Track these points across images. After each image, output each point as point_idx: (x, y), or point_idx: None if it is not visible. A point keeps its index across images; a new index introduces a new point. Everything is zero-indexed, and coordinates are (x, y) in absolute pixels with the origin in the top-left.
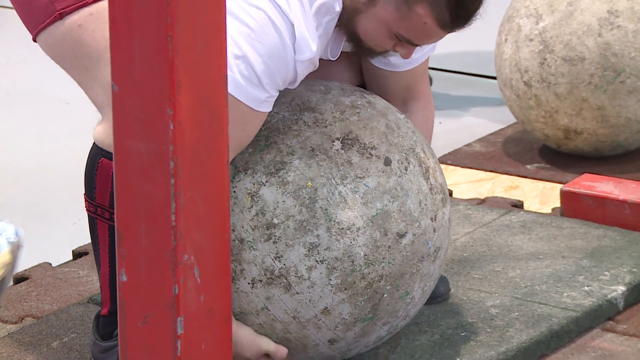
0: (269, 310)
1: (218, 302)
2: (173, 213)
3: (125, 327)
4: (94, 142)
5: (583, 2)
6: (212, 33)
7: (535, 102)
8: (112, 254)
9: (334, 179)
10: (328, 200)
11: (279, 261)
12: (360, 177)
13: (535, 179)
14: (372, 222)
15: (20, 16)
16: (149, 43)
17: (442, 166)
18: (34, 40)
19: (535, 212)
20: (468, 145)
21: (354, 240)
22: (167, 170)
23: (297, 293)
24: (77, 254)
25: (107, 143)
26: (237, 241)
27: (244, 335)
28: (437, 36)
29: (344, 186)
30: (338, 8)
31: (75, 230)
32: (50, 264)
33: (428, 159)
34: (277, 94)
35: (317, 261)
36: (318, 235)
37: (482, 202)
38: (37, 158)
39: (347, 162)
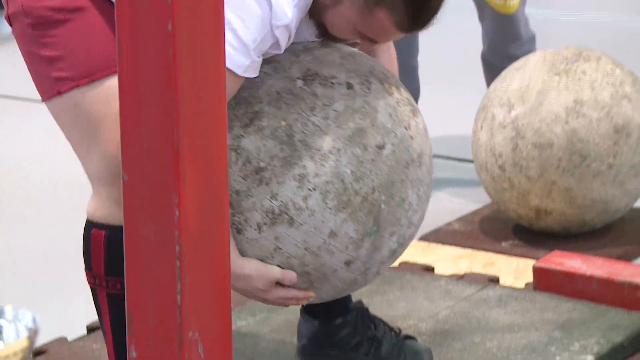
0: (281, 249)
1: None
2: (178, 293)
3: None
4: (87, 219)
5: (551, 93)
6: (214, 127)
7: (509, 185)
8: (114, 320)
9: (304, 112)
10: (304, 132)
11: (276, 199)
12: (327, 105)
13: (510, 255)
14: (349, 140)
15: (32, 80)
16: (156, 136)
17: (424, 243)
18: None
19: (510, 287)
20: (448, 224)
21: (337, 161)
22: (173, 254)
23: (301, 224)
24: (91, 329)
25: (98, 215)
26: (233, 195)
27: (251, 268)
28: (397, 36)
29: (315, 116)
30: None
31: (89, 305)
32: (66, 339)
33: (389, 78)
34: (261, 59)
35: (309, 189)
36: (304, 165)
37: (461, 277)
38: (53, 238)
39: (312, 95)
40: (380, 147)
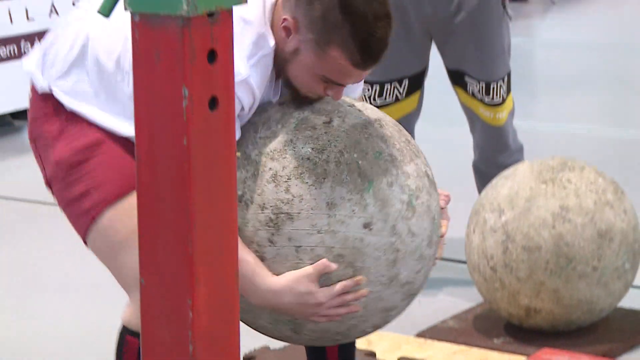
0: (300, 245)
1: None
2: None
3: None
4: (122, 324)
5: (539, 200)
6: (226, 233)
7: (500, 285)
8: None
9: (250, 135)
10: (257, 149)
11: (266, 208)
12: (266, 121)
13: (502, 351)
14: (297, 129)
15: (75, 229)
16: (172, 245)
17: (421, 340)
18: (86, 244)
19: None
20: (443, 321)
21: (295, 147)
22: (187, 353)
23: (299, 212)
24: None
25: (134, 323)
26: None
27: (285, 278)
28: (356, 75)
29: (260, 133)
30: (272, 42)
31: None
32: None
33: None
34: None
35: (285, 181)
36: (270, 168)
37: None
38: (83, 341)
39: (251, 124)
40: (328, 122)
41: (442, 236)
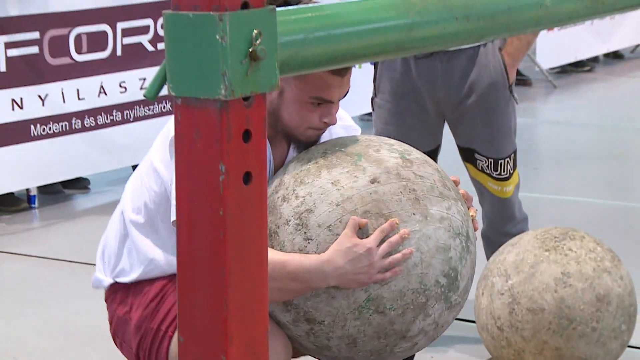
0: (330, 224)
1: None
2: None
3: None
4: None
5: (542, 266)
6: (257, 295)
7: (506, 343)
8: None
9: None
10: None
11: (290, 220)
12: (274, 193)
13: None
14: (285, 168)
15: None
16: (208, 305)
17: None
18: None
19: None
20: None
21: (287, 173)
22: None
23: (314, 203)
24: None
25: None
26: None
27: (330, 248)
28: (338, 84)
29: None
30: None
31: None
32: None
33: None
34: None
35: (292, 193)
36: (278, 196)
37: None
38: None
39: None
40: (307, 150)
41: (473, 219)
